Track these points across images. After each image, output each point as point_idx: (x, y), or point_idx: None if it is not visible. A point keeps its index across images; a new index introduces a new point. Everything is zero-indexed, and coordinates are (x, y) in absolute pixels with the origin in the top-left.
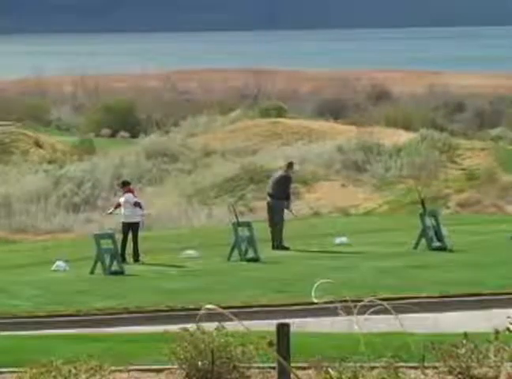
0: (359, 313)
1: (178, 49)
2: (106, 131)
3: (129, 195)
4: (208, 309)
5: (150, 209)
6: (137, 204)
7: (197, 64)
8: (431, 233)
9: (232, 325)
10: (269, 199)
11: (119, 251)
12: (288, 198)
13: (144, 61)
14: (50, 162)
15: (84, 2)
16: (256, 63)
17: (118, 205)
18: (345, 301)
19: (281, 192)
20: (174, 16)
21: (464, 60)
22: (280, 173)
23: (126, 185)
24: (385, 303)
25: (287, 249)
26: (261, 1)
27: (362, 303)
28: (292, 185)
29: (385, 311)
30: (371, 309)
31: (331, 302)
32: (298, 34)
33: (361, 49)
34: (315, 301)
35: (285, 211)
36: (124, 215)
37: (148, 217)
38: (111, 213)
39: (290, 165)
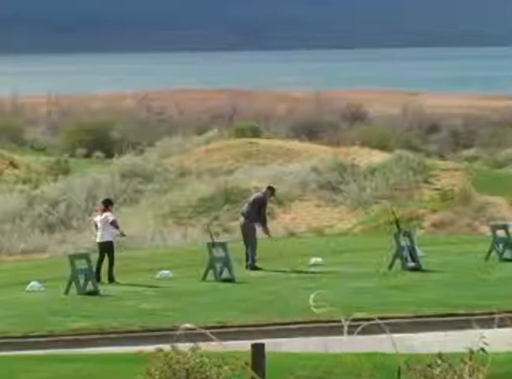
0: (337, 334)
1: (153, 69)
2: (81, 151)
3: (108, 214)
4: (187, 328)
5: (125, 229)
6: (113, 223)
7: (173, 84)
8: (406, 253)
9: (207, 345)
10: (241, 219)
11: (94, 271)
12: (264, 222)
13: (119, 81)
14: (25, 182)
15: (59, 20)
16: (232, 83)
17: (115, 221)
18: (355, 319)
19: (253, 213)
20: (149, 36)
21: (439, 81)
22: (256, 194)
23: (106, 204)
24: (381, 322)
25: (259, 269)
26: (238, 22)
27: (367, 323)
28: (267, 206)
29: (360, 332)
30: (358, 329)
31: (337, 321)
32: (274, 54)
33: (337, 69)
34: (315, 311)
35: (260, 231)
36: (100, 234)
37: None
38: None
39: (270, 189)
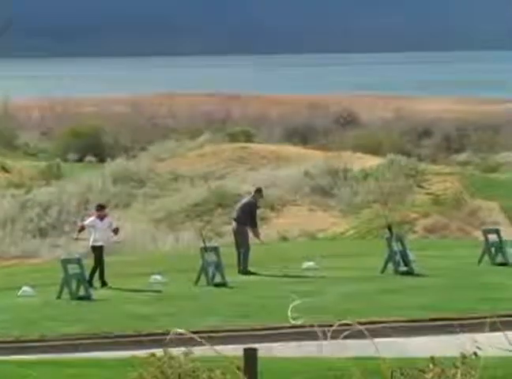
0: (332, 338)
1: (146, 74)
2: (73, 155)
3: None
4: (178, 333)
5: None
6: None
7: (165, 88)
8: (398, 257)
9: (200, 350)
10: (233, 224)
11: (87, 276)
12: (254, 225)
13: (112, 85)
14: (17, 186)
15: (56, 27)
16: (224, 88)
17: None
18: (328, 325)
19: (246, 217)
20: (143, 42)
21: (431, 85)
22: (246, 198)
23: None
24: (362, 327)
25: (252, 274)
26: (233, 26)
27: (334, 327)
28: (260, 210)
29: (354, 336)
30: (344, 334)
31: (311, 326)
32: (267, 59)
33: (329, 74)
34: (292, 322)
35: (251, 236)
36: (94, 238)
37: (116, 242)
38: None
39: (258, 191)
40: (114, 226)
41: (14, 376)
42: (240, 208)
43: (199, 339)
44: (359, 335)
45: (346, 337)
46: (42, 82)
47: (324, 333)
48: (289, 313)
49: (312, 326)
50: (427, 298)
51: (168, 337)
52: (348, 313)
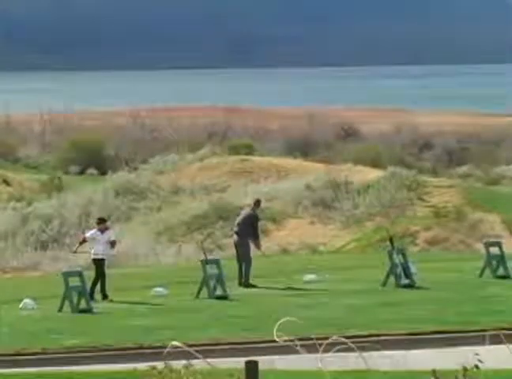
0: (327, 351)
1: (147, 86)
2: (74, 168)
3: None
4: (174, 346)
5: (118, 246)
6: (113, 243)
7: (166, 101)
8: (400, 270)
9: (201, 363)
10: (235, 237)
11: (88, 289)
12: (256, 237)
13: (113, 98)
14: (18, 199)
15: (51, 40)
16: (225, 101)
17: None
18: (310, 339)
19: (247, 230)
20: (142, 54)
21: (433, 98)
22: (246, 211)
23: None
24: (349, 341)
25: (253, 286)
26: (232, 39)
27: (327, 341)
28: (261, 223)
29: (353, 349)
30: (337, 347)
31: (292, 341)
32: (268, 72)
33: (330, 87)
34: (277, 339)
35: (253, 249)
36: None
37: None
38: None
39: (257, 202)
40: (112, 238)
41: None
42: (241, 221)
43: (195, 353)
44: (358, 348)
45: (344, 350)
46: (43, 95)
47: (309, 347)
48: (275, 332)
49: (296, 345)
50: (428, 310)
51: (166, 350)
52: (350, 326)
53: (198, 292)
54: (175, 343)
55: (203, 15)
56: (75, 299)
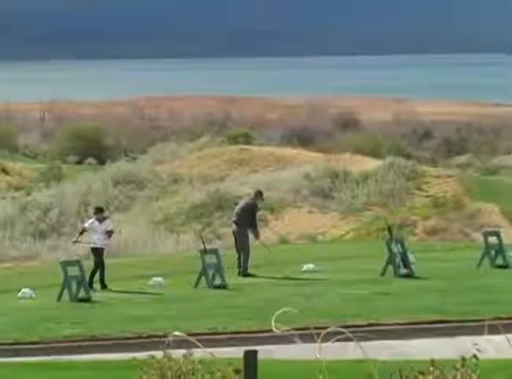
0: (325, 341)
1: (146, 76)
2: (73, 158)
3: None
4: (176, 335)
5: (117, 236)
6: (109, 233)
7: (166, 91)
8: (398, 260)
9: (200, 352)
10: (233, 226)
11: (87, 278)
12: (255, 227)
13: (112, 87)
14: (17, 188)
15: (56, 30)
16: (225, 90)
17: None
18: (308, 329)
19: (245, 219)
20: (143, 44)
21: (432, 87)
22: (246, 200)
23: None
24: (346, 331)
25: (252, 276)
26: (233, 29)
27: (325, 331)
28: (259, 213)
29: (353, 338)
30: (335, 338)
31: (291, 334)
32: (267, 61)
33: (330, 76)
34: (274, 330)
35: (251, 238)
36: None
37: (115, 244)
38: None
39: (259, 194)
40: (109, 228)
41: (13, 378)
42: (240, 210)
43: (195, 342)
44: (359, 337)
45: (345, 340)
46: (42, 84)
47: (307, 337)
48: (272, 322)
49: (292, 335)
50: (427, 300)
51: (166, 340)
52: (348, 316)
53: (197, 282)
54: (175, 332)
55: (203, 4)
56: (74, 288)
